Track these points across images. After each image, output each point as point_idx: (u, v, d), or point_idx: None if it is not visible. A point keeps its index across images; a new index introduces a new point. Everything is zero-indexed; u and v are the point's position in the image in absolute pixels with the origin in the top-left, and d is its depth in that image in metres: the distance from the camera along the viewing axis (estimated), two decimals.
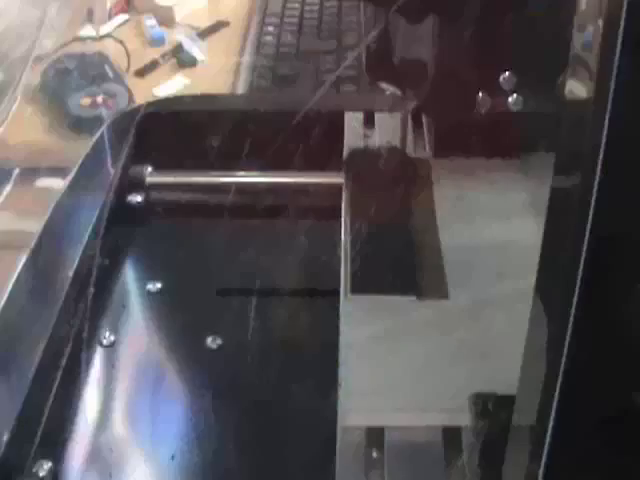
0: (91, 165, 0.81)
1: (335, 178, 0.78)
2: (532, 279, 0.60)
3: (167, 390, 0.65)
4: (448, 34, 0.64)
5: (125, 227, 0.79)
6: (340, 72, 1.09)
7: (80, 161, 0.81)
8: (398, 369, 0.58)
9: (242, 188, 0.81)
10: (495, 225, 0.69)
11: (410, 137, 0.79)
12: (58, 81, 1.14)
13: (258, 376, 0.64)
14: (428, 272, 0.64)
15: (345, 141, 0.79)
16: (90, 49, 1.22)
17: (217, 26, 1.28)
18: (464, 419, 0.54)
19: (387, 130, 0.79)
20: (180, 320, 0.70)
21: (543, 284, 0.39)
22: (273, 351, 0.66)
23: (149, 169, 0.82)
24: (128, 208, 0.80)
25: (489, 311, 0.61)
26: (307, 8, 1.24)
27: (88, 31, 1.27)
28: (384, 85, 0.70)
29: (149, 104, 0.88)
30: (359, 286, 0.63)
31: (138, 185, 0.81)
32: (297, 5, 1.25)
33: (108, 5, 1.30)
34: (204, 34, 1.26)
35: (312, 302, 0.72)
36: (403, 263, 0.65)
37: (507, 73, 0.63)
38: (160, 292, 0.73)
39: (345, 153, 0.77)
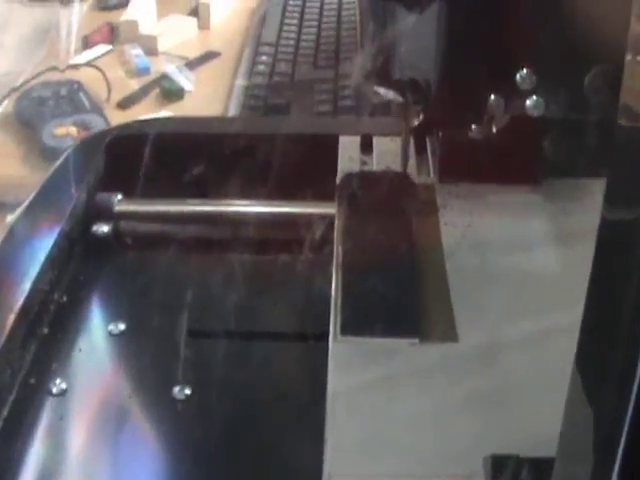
0: (52, 191, 0.72)
1: (327, 209, 0.69)
2: (554, 315, 0.51)
3: (125, 448, 0.55)
4: (455, 24, 0.55)
5: (89, 260, 0.69)
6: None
7: (39, 186, 0.72)
8: (396, 425, 0.48)
9: (222, 219, 0.72)
10: (510, 256, 0.59)
11: (412, 162, 0.70)
12: (32, 110, 1.07)
13: (231, 432, 0.55)
14: (433, 311, 0.55)
15: (339, 167, 0.69)
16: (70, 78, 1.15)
17: (207, 56, 1.21)
18: None
19: (387, 155, 0.70)
20: (144, 366, 0.60)
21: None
22: (250, 403, 0.57)
23: (118, 197, 0.73)
24: (93, 239, 0.71)
25: (505, 354, 0.52)
26: (303, 37, 1.16)
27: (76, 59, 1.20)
28: (382, 91, 0.61)
29: (121, 126, 0.79)
30: (351, 327, 0.53)
31: (105, 214, 0.72)
32: (293, 35, 1.17)
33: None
34: (193, 65, 1.19)
35: (297, 347, 0.62)
36: (403, 300, 0.55)
37: (525, 70, 0.54)
38: (123, 334, 0.63)
39: (338, 178, 0.68)
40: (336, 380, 0.50)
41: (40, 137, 1.03)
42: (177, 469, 0.54)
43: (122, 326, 0.64)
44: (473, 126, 0.66)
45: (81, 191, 0.72)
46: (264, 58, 1.12)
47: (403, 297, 0.56)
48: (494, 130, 0.65)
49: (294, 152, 0.72)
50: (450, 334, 0.53)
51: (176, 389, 0.58)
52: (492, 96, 0.57)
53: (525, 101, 0.56)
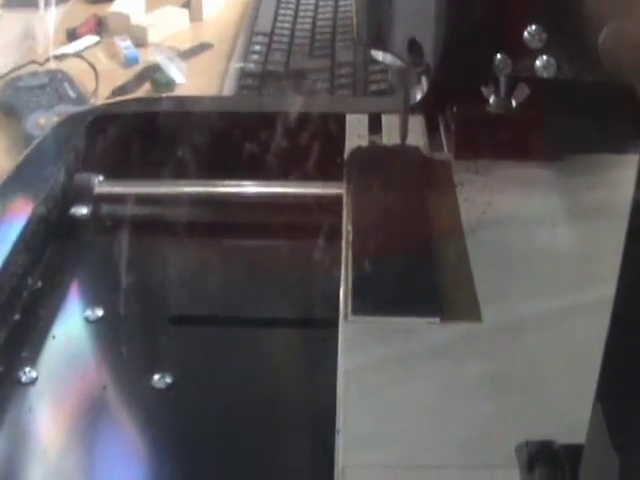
0: (28, 172, 0.66)
1: (330, 189, 0.63)
2: (582, 294, 0.45)
3: (99, 442, 0.49)
4: None
5: (66, 244, 0.63)
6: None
7: (14, 166, 0.66)
8: (413, 410, 0.41)
9: (209, 200, 0.66)
10: (534, 233, 0.53)
11: (424, 141, 0.64)
12: (17, 99, 1.02)
13: (216, 423, 0.49)
14: (454, 289, 0.48)
15: (347, 145, 0.63)
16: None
17: (199, 48, 1.15)
18: (506, 478, 0.37)
19: (397, 133, 0.64)
20: (122, 354, 0.54)
21: None
22: (235, 394, 0.51)
23: (99, 177, 0.66)
24: (71, 222, 0.65)
25: (531, 335, 0.46)
26: (299, 27, 1.11)
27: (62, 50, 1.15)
28: (381, 55, 0.55)
29: (104, 105, 0.73)
30: (364, 306, 0.47)
31: (85, 196, 0.66)
32: (288, 25, 1.12)
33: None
34: (185, 56, 1.13)
35: (288, 333, 0.56)
36: (422, 278, 0.49)
37: (534, 27, 0.48)
38: (101, 320, 0.57)
39: (347, 153, 0.61)
40: (347, 360, 0.44)
41: (25, 127, 0.97)
42: (158, 465, 0.47)
43: (100, 312, 0.57)
44: (491, 100, 0.61)
45: (59, 171, 0.65)
46: (258, 47, 1.06)
47: (422, 274, 0.49)
48: (513, 104, 0.60)
49: (289, 132, 0.67)
50: (473, 313, 0.47)
51: (156, 377, 0.51)
52: (498, 55, 0.51)
53: (534, 61, 0.50)
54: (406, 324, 0.46)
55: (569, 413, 0.36)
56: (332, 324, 0.48)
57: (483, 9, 0.50)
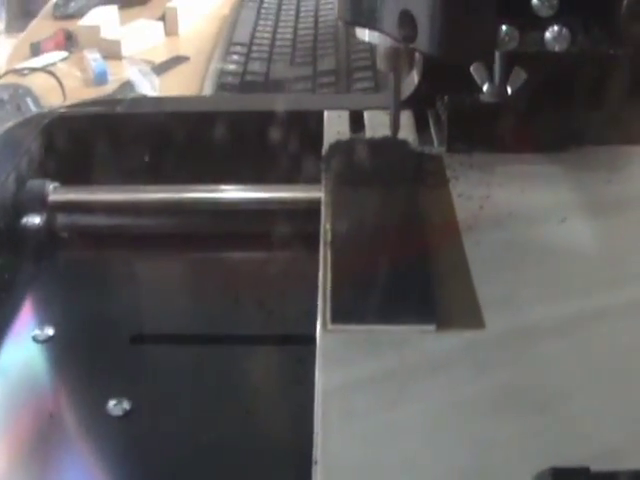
0: None
1: (310, 192, 0.56)
2: (594, 297, 0.40)
3: (45, 476, 0.42)
4: None
5: (15, 257, 0.57)
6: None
7: None
8: (407, 437, 0.34)
9: (175, 208, 0.60)
10: (538, 230, 0.47)
11: (412, 137, 0.57)
12: None
13: (178, 455, 0.42)
14: (451, 292, 0.42)
15: (325, 141, 0.57)
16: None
17: (175, 61, 1.09)
18: None
19: (381, 129, 0.58)
20: (74, 377, 0.47)
21: None
22: (201, 422, 0.44)
23: (54, 184, 0.60)
24: (22, 232, 0.58)
25: (540, 343, 0.39)
26: (279, 36, 1.05)
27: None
28: (367, 34, 0.48)
29: (62, 108, 0.67)
30: (345, 312, 0.40)
31: (38, 204, 0.59)
32: (267, 35, 1.06)
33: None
34: (159, 70, 1.07)
35: (263, 352, 0.49)
36: (414, 280, 0.42)
37: None
38: (50, 340, 0.50)
39: (324, 149, 0.55)
40: (327, 378, 0.37)
41: None
42: None
43: (50, 331, 0.51)
44: (484, 87, 0.54)
45: (9, 177, 0.59)
46: (236, 57, 1.00)
47: (413, 277, 0.43)
48: (509, 91, 0.54)
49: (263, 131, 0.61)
50: (474, 319, 0.40)
51: (112, 403, 0.45)
52: (503, 27, 0.45)
53: (544, 33, 0.44)
54: (396, 334, 0.39)
55: (600, 433, 0.31)
56: (311, 341, 0.42)
57: None
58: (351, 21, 0.48)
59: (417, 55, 0.59)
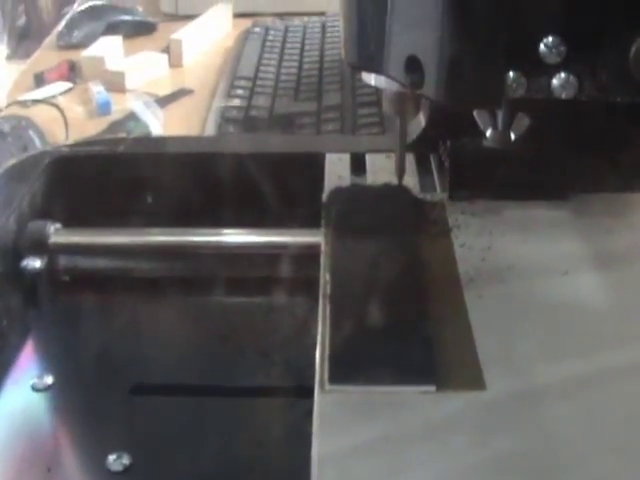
0: None
1: (310, 237, 0.56)
2: (601, 355, 0.39)
3: None
4: None
5: (15, 301, 0.56)
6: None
7: None
8: None
9: (178, 252, 0.60)
10: (542, 283, 0.47)
11: (414, 181, 0.57)
12: None
13: None
14: (452, 351, 0.41)
15: (326, 186, 0.57)
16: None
17: (179, 93, 1.09)
18: None
19: (382, 173, 0.57)
20: (73, 429, 0.47)
21: None
22: (200, 477, 0.44)
23: (55, 225, 0.59)
24: (22, 276, 0.57)
25: (545, 405, 0.39)
26: (284, 70, 1.05)
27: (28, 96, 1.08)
28: (373, 78, 0.48)
29: (65, 146, 0.67)
30: (343, 373, 0.40)
31: (39, 246, 0.59)
32: (272, 69, 1.06)
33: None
34: (163, 102, 1.06)
35: (266, 405, 0.49)
36: (413, 339, 0.42)
37: (551, 38, 0.41)
38: (49, 389, 0.49)
39: (325, 195, 0.55)
40: (324, 441, 0.36)
41: None
42: None
43: (49, 380, 0.50)
44: (488, 133, 0.54)
45: (9, 218, 0.58)
46: (240, 92, 1.00)
47: (413, 334, 0.42)
48: (512, 137, 0.53)
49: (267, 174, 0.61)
50: (475, 380, 0.39)
51: (111, 458, 0.44)
52: (510, 74, 0.44)
53: (551, 79, 0.44)
54: (395, 395, 0.39)
55: None
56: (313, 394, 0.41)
57: (494, 19, 0.43)
58: (357, 65, 0.48)
59: (424, 99, 0.58)
